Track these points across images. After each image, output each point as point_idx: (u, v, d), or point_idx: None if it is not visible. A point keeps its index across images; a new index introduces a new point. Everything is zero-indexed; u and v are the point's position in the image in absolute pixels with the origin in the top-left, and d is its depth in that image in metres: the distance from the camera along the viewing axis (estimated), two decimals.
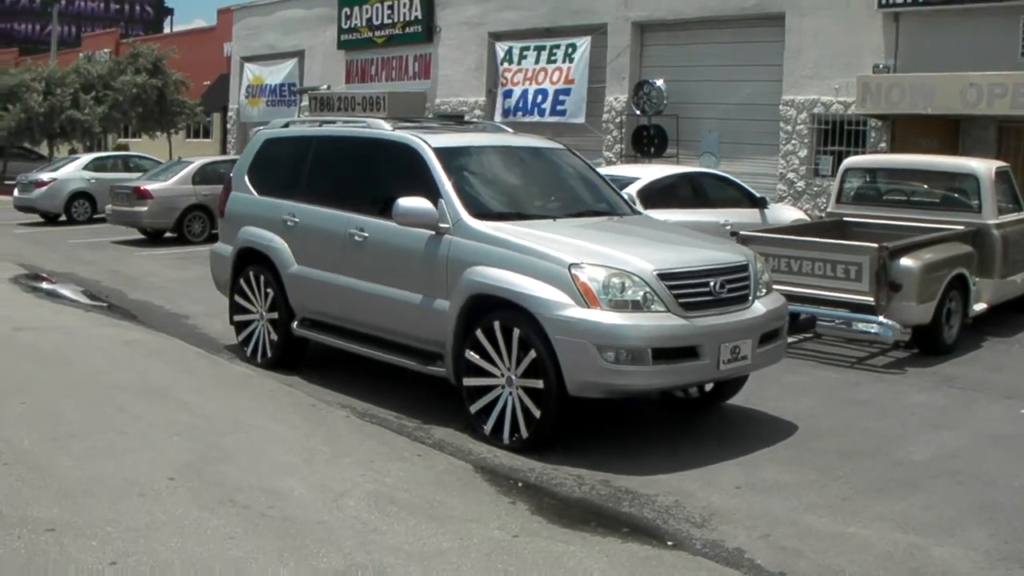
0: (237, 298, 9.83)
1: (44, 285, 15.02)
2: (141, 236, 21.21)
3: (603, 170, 14.75)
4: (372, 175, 8.53)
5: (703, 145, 20.33)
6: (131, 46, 40.68)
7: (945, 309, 10.27)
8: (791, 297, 10.18)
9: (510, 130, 9.46)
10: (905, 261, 9.87)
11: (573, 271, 6.73)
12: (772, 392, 8.71)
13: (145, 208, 20.17)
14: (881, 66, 16.79)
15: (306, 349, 9.45)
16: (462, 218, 7.52)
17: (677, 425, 7.90)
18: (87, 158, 26.71)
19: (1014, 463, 6.96)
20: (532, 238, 7.16)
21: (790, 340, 10.72)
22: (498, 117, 24.10)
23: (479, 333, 7.19)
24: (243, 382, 8.96)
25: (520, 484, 6.46)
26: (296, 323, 9.12)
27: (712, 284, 6.98)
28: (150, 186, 20.47)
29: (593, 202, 8.56)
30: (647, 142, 20.61)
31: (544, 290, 6.80)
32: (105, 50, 47.79)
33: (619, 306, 6.65)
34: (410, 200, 7.61)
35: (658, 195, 13.28)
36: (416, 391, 8.47)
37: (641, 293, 6.70)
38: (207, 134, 42.79)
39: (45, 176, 25.01)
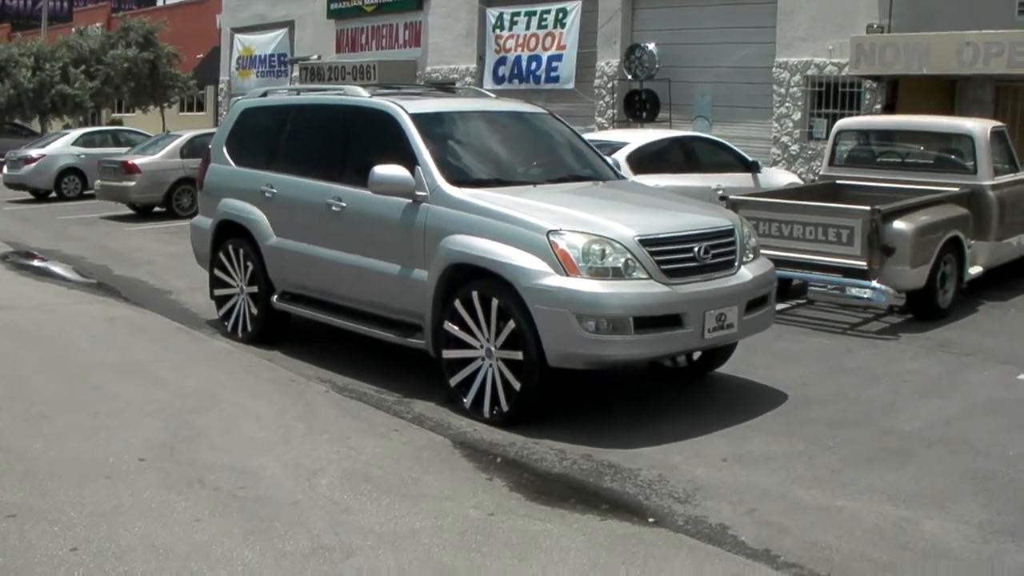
0: (217, 272, 9.65)
1: (29, 262, 14.83)
2: (131, 211, 20.98)
3: (592, 135, 14.56)
4: (349, 143, 8.31)
5: (696, 109, 20.03)
6: (122, 20, 40.23)
7: (940, 273, 10.05)
8: (782, 262, 10.01)
9: (492, 95, 9.22)
10: (898, 224, 9.65)
11: (552, 238, 6.52)
12: (762, 360, 8.52)
13: (133, 183, 19.93)
14: (875, 26, 16.45)
15: (287, 323, 9.26)
16: (439, 185, 7.30)
17: (664, 396, 7.70)
18: (76, 133, 26.43)
19: (1008, 431, 6.77)
20: (511, 205, 6.94)
21: (782, 306, 10.60)
22: (490, 84, 23.77)
23: (457, 304, 6.99)
24: (223, 357, 8.79)
25: (499, 459, 6.28)
26: (276, 296, 8.93)
27: (696, 250, 6.77)
28: (138, 160, 20.22)
29: (576, 167, 8.33)
30: (639, 107, 20.30)
31: (523, 258, 6.59)
32: (97, 24, 47.31)
33: (599, 274, 6.45)
34: (386, 168, 7.39)
35: (648, 160, 13.04)
36: (398, 364, 8.28)
37: (622, 260, 6.49)
38: (201, 107, 42.47)
39: (34, 152, 24.72)
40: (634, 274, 6.51)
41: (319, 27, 28.79)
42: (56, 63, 36.01)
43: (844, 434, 6.69)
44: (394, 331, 7.70)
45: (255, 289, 9.10)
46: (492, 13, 23.77)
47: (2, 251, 15.75)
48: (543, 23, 22.63)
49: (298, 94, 9.47)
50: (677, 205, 7.71)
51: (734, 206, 10.34)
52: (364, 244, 7.91)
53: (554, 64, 22.54)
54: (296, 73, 27.87)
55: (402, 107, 7.86)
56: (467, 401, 7.05)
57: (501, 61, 23.70)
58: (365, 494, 5.65)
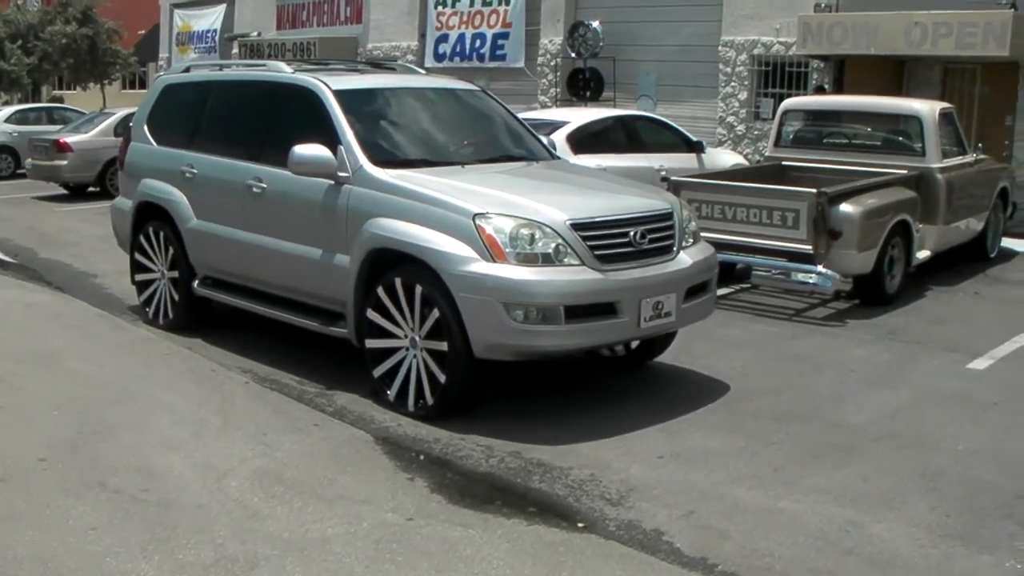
0: (137, 256, 9.17)
1: None
2: (64, 191, 20.29)
3: (532, 114, 14.19)
4: (271, 121, 7.85)
5: (640, 88, 19.68)
6: None
7: (887, 257, 9.80)
8: (726, 246, 9.73)
9: (423, 71, 8.81)
10: (845, 207, 9.36)
11: (478, 222, 6.13)
12: (703, 348, 8.21)
13: (65, 162, 19.26)
14: (823, 5, 16.18)
15: (210, 310, 8.80)
16: (362, 166, 6.88)
17: (599, 387, 7.34)
18: (8, 111, 25.59)
19: (958, 424, 6.50)
20: (436, 186, 6.54)
21: (725, 291, 10.31)
22: (431, 62, 23.31)
23: (380, 291, 6.59)
24: (141, 346, 8.31)
25: (423, 457, 5.90)
26: (197, 282, 8.47)
27: (632, 234, 6.41)
28: (70, 139, 19.53)
29: (509, 147, 7.94)
30: (583, 86, 19.92)
31: (447, 243, 6.20)
32: None
33: (528, 260, 6.07)
34: (306, 147, 6.96)
35: (589, 140, 12.70)
36: (324, 354, 7.86)
37: (552, 245, 6.12)
38: (144, 84, 41.43)
39: None
40: (565, 260, 6.14)
41: (260, 3, 28.11)
42: None
43: (788, 428, 6.38)
44: (316, 319, 7.28)
45: (176, 274, 8.65)
46: None
47: None
48: (487, 0, 22.16)
49: (220, 70, 8.98)
50: (613, 187, 7.35)
51: (676, 187, 10.06)
52: (285, 227, 7.48)
53: (500, 42, 22.11)
54: (235, 51, 27.18)
55: (325, 83, 7.42)
56: (391, 394, 6.66)
57: (443, 39, 23.21)
58: (276, 497, 5.26)
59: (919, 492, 5.39)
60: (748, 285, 10.30)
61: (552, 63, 20.86)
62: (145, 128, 9.20)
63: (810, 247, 9.27)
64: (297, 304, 7.54)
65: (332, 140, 7.05)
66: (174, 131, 8.83)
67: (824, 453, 5.94)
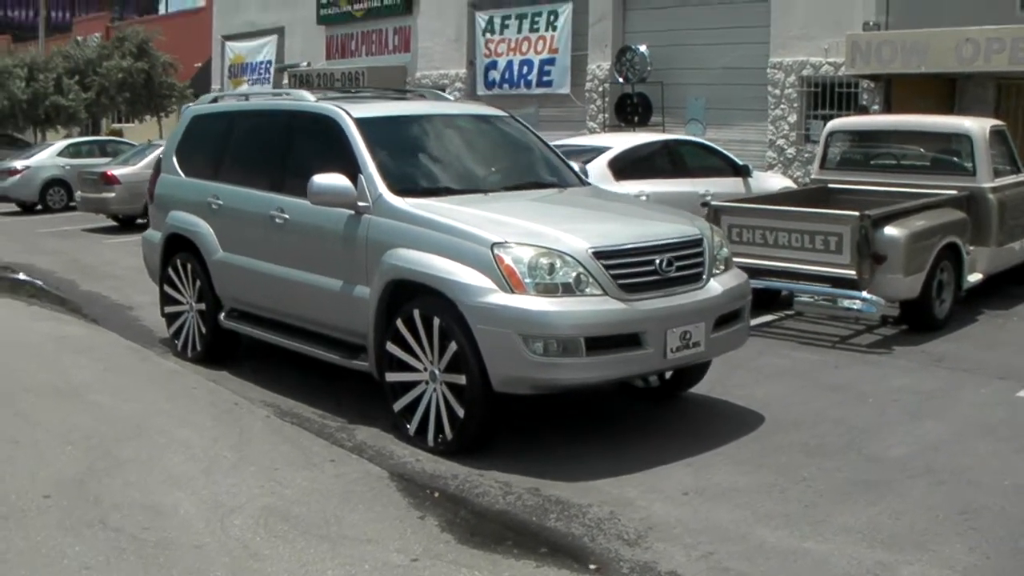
0: (166, 288, 9.12)
1: None
2: (113, 223, 20.47)
3: (574, 140, 14.01)
4: (293, 151, 7.75)
5: (689, 112, 19.40)
6: (116, 30, 39.83)
7: (935, 281, 9.45)
8: (767, 272, 9.47)
9: (451, 98, 8.65)
10: (890, 230, 9.04)
11: (496, 251, 5.94)
12: (741, 378, 7.95)
13: (113, 194, 19.44)
14: (872, 23, 15.80)
15: (239, 342, 8.70)
16: (382, 195, 6.73)
17: (629, 419, 7.10)
18: (62, 144, 25.95)
19: (1004, 457, 6.16)
20: (456, 215, 6.36)
21: (769, 319, 10.03)
22: (481, 90, 23.27)
23: (399, 323, 6.42)
24: (166, 379, 8.23)
25: (437, 494, 5.69)
26: (223, 314, 8.38)
27: (658, 262, 6.17)
28: (117, 171, 19.71)
29: (536, 174, 7.75)
30: (631, 111, 19.69)
31: (465, 273, 6.01)
32: (96, 35, 46.93)
33: (548, 290, 5.86)
34: (325, 177, 6.83)
35: (631, 166, 12.48)
36: (350, 387, 7.68)
37: (573, 274, 5.90)
38: None
39: (19, 164, 24.23)
40: (587, 290, 5.92)
41: (309, 33, 28.29)
42: (50, 74, 35.58)
43: (821, 463, 6.08)
44: (338, 352, 7.13)
45: (204, 306, 8.56)
46: (482, 17, 23.22)
47: None
48: (535, 26, 22.07)
49: (247, 99, 8.91)
50: (641, 213, 7.13)
51: (716, 212, 9.80)
52: (307, 258, 7.35)
53: (547, 68, 21.98)
54: (286, 81, 27.34)
55: (346, 111, 7.29)
56: (411, 428, 6.47)
57: (492, 65, 23.13)
58: (280, 536, 5.09)
59: (957, 532, 5.07)
60: (792, 312, 9.97)
61: (600, 88, 20.67)
62: (174, 159, 9.16)
63: (854, 272, 8.96)
64: (320, 337, 7.40)
65: (353, 169, 6.92)
66: (201, 162, 8.77)
67: (856, 490, 5.64)
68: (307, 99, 7.82)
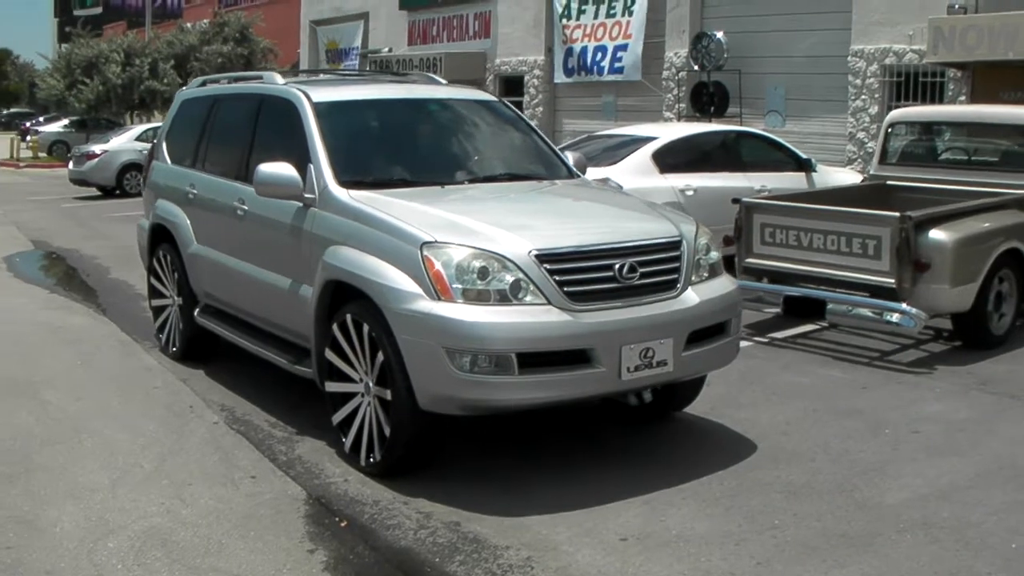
0: (153, 280, 8.67)
1: (33, 263, 14.21)
2: None
3: (619, 129, 13.23)
4: (257, 137, 7.12)
5: (768, 103, 18.29)
6: (218, 15, 40.08)
7: (993, 293, 8.39)
8: (800, 277, 8.60)
9: (443, 81, 7.91)
10: (935, 234, 8.03)
11: (425, 252, 5.22)
12: (752, 397, 7.12)
13: None
14: (957, 6, 14.50)
15: (218, 341, 8.15)
16: (327, 186, 6.08)
17: (604, 444, 6.28)
18: (140, 129, 26.04)
19: (1023, 511, 5.19)
20: (393, 209, 5.65)
21: (806, 330, 9.10)
22: (560, 77, 22.49)
23: (335, 328, 5.76)
24: (133, 378, 7.78)
25: (344, 523, 5.03)
26: (198, 310, 7.85)
27: (617, 267, 5.37)
28: None
29: (513, 165, 6.98)
30: (707, 100, 18.67)
31: (393, 275, 5.31)
32: (204, 20, 47.41)
33: (479, 297, 5.12)
34: (271, 166, 6.21)
35: (679, 158, 11.66)
36: (319, 394, 7.06)
37: (510, 280, 5.15)
38: None
39: (97, 148, 24.39)
40: (526, 298, 5.16)
41: (392, 18, 27.86)
42: (146, 59, 35.93)
43: (801, 507, 5.21)
44: (287, 355, 6.51)
45: (182, 301, 8.06)
46: (559, 2, 22.40)
47: (17, 250, 15.21)
48: (611, 11, 21.17)
49: (230, 83, 8.35)
50: (614, 212, 6.28)
51: (748, 210, 8.92)
52: (260, 253, 6.78)
53: (619, 55, 21.06)
54: (367, 67, 26.96)
55: (306, 94, 6.65)
56: (346, 444, 5.82)
57: (569, 52, 22.31)
58: (144, 564, 4.54)
59: None
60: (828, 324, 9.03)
61: (677, 77, 19.69)
62: (164, 145, 8.70)
63: (893, 281, 7.99)
64: (274, 339, 6.81)
65: (305, 157, 6.29)
66: (183, 149, 8.31)
67: (828, 545, 4.75)
68: (277, 81, 7.22)
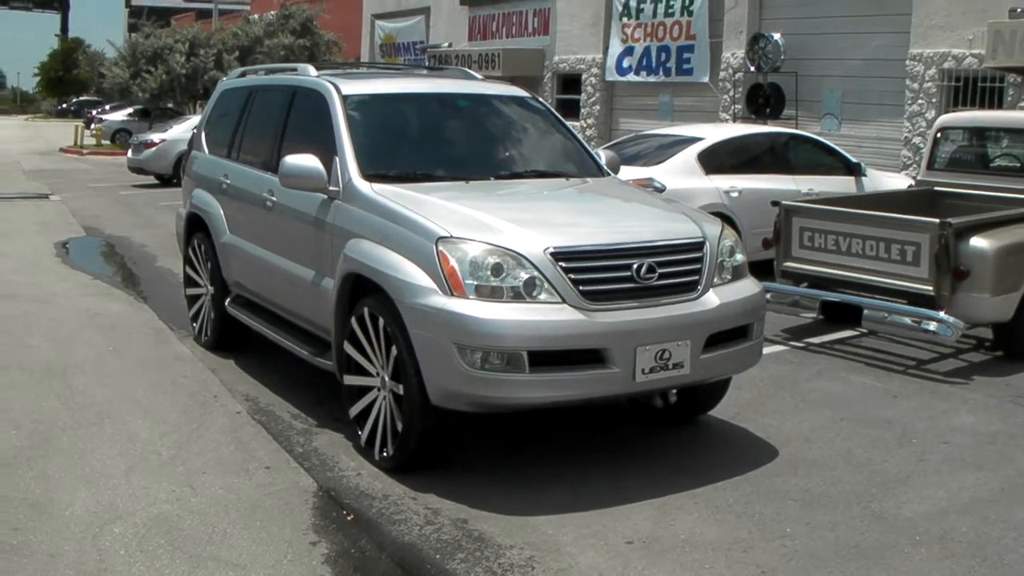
0: (188, 269, 8.76)
1: (84, 250, 14.43)
2: None
3: (666, 129, 13.15)
4: (288, 129, 7.15)
5: (824, 106, 18.04)
6: (282, 7, 40.39)
7: None
8: (838, 282, 8.47)
9: (479, 76, 7.88)
10: (976, 241, 7.84)
11: (440, 247, 5.20)
12: (780, 403, 7.01)
13: None
14: (1019, 9, 14.16)
15: (249, 331, 8.20)
16: (352, 179, 6.08)
17: (623, 445, 6.21)
18: (197, 118, 26.26)
19: None
20: (413, 204, 5.64)
21: (845, 335, 8.96)
22: (612, 75, 22.38)
23: (354, 322, 5.77)
24: (163, 366, 7.84)
25: (351, 517, 5.03)
26: (229, 300, 7.91)
27: (635, 267, 5.31)
28: None
29: (544, 163, 6.93)
30: (763, 102, 18.45)
31: (409, 270, 5.30)
32: (271, 13, 47.83)
33: (492, 294, 5.09)
34: (297, 157, 6.23)
35: (725, 159, 11.57)
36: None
37: (524, 278, 5.11)
38: None
39: (155, 137, 24.69)
40: (540, 296, 5.12)
41: (453, 14, 27.92)
42: (211, 50, 36.36)
43: (815, 516, 5.12)
44: (310, 348, 6.53)
45: (214, 291, 8.14)
46: (619, 0, 22.28)
47: (70, 236, 15.46)
48: (670, 10, 21.01)
49: (267, 74, 8.39)
50: (637, 210, 6.22)
51: (787, 213, 8.80)
52: (286, 244, 6.81)
53: (686, 55, 20.90)
54: (427, 62, 27.04)
55: (336, 86, 6.67)
56: (362, 437, 5.82)
57: (628, 51, 22.17)
58: (147, 551, 4.56)
59: None
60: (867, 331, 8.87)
61: (734, 78, 19.49)
62: (203, 135, 8.78)
63: (931, 288, 7.82)
64: (299, 330, 6.84)
65: (331, 149, 6.30)
66: (220, 139, 8.38)
67: (838, 556, 4.66)
68: (309, 74, 7.24)
